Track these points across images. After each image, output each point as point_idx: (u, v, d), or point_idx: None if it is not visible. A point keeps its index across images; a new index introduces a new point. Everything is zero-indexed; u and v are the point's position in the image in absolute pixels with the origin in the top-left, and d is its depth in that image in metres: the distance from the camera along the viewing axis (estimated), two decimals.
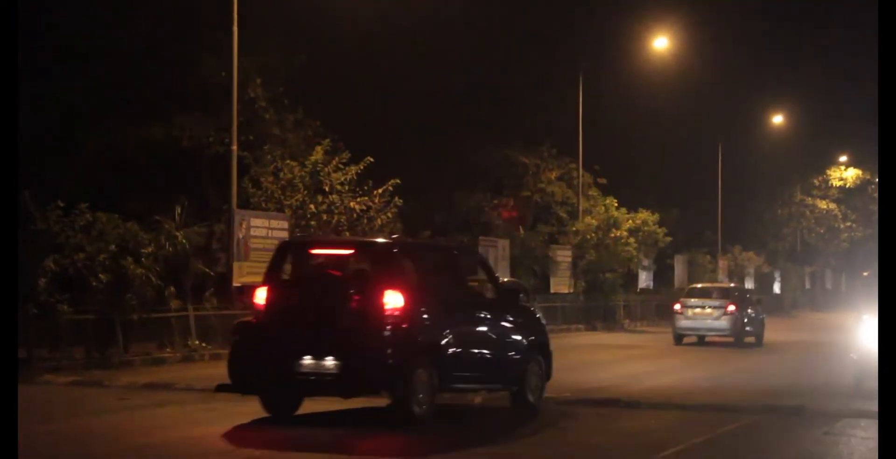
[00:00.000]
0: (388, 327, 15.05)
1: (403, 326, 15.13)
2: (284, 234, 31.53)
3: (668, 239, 53.96)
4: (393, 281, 15.39)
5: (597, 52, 55.19)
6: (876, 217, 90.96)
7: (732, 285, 45.62)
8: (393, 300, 15.15)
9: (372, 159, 34.12)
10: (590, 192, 53.66)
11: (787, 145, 78.62)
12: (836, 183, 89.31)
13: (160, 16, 40.02)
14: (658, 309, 55.65)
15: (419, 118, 50.29)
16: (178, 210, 29.35)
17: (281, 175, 33.61)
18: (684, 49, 58.73)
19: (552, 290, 47.84)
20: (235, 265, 30.27)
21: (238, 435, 14.61)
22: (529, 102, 55.24)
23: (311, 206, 33.13)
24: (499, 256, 42.83)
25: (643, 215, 52.63)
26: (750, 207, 79.84)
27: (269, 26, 40.67)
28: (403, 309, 15.17)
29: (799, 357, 32.09)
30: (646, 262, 55.05)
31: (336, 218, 33.38)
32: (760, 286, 73.88)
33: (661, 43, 51.78)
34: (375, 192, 34.14)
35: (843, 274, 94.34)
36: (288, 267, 16.75)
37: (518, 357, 17.39)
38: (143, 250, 27.06)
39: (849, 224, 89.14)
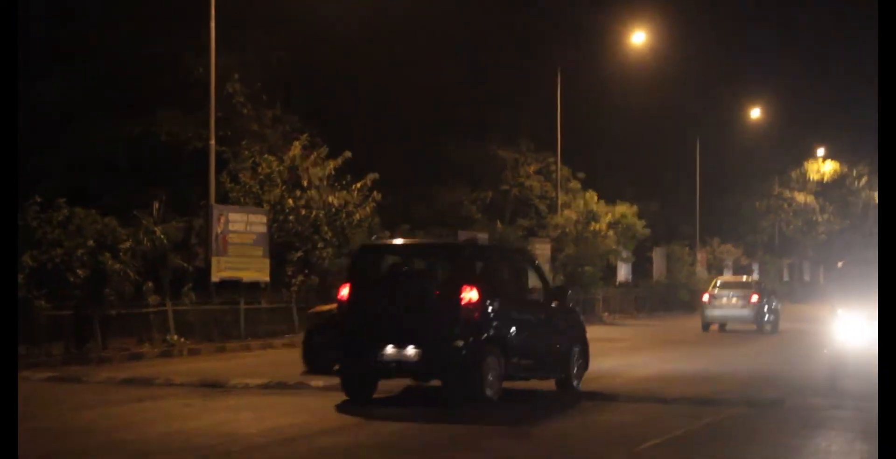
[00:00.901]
0: (464, 319, 16.87)
1: (476, 319, 16.94)
2: (263, 229, 31.48)
3: (647, 231, 54.02)
4: (467, 278, 17.22)
5: (576, 46, 55.26)
6: (853, 209, 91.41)
7: (754, 279, 50.34)
8: (468, 295, 16.90)
9: (350, 154, 34.09)
10: (569, 186, 53.68)
11: (765, 138, 78.81)
12: (814, 176, 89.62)
13: (139, 12, 39.89)
14: (637, 301, 55.72)
15: (398, 113, 50.22)
16: (157, 205, 29.29)
17: (259, 170, 33.56)
18: (662, 43, 58.81)
19: (530, 284, 47.73)
20: (214, 260, 30.19)
21: (218, 430, 14.56)
22: (509, 97, 55.23)
23: (290, 201, 33.08)
24: None
25: (622, 208, 52.67)
26: (728, 200, 79.99)
27: (248, 22, 40.58)
28: (476, 304, 16.93)
29: (781, 347, 32.17)
30: (625, 255, 55.08)
31: (314, 212, 33.33)
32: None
33: (638, 37, 51.81)
34: (354, 187, 34.12)
35: (820, 266, 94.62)
36: (369, 267, 18.44)
37: (564, 348, 19.37)
38: (121, 245, 26.97)
39: (826, 217, 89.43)
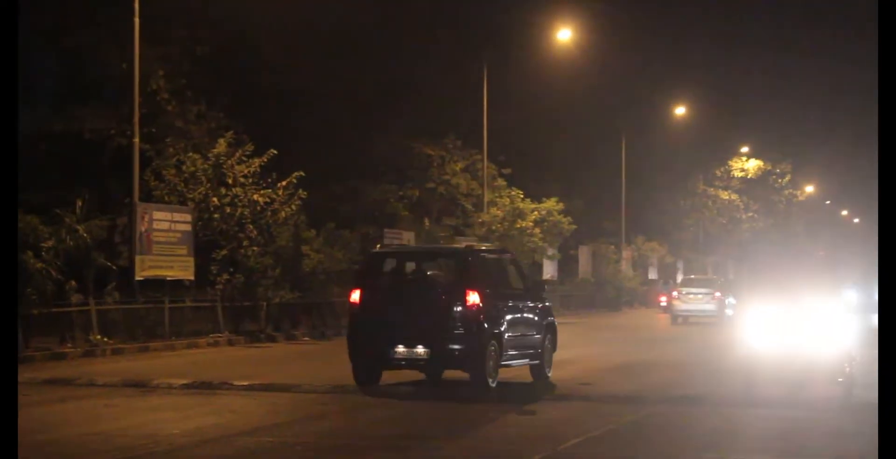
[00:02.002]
0: (469, 320, 19.20)
1: (480, 318, 19.26)
2: (187, 227, 31.33)
3: (573, 227, 54.31)
4: (470, 283, 19.50)
5: (501, 42, 55.31)
6: (777, 207, 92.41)
7: (716, 276, 57.31)
8: (472, 298, 19.25)
9: (275, 151, 33.98)
10: (495, 184, 53.79)
11: (689, 136, 79.32)
12: (738, 174, 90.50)
13: (61, 3, 39.43)
14: (563, 299, 55.96)
15: (323, 109, 50.06)
16: (79, 203, 29.02)
17: (184, 168, 33.37)
18: (588, 40, 59.03)
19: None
20: (138, 258, 29.99)
21: (140, 431, 14.49)
22: (434, 93, 55.25)
23: (215, 199, 32.94)
24: None
25: (548, 205, 52.89)
26: (653, 198, 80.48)
27: (172, 16, 40.25)
28: (478, 305, 19.24)
29: (699, 343, 32.44)
30: (550, 252, 55.30)
31: (239, 210, 33.21)
32: (664, 276, 74.61)
33: (564, 34, 51.95)
34: (279, 185, 34.02)
35: (744, 263, 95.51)
36: (377, 272, 20.40)
37: (539, 336, 21.44)
38: (42, 244, 26.74)
39: (751, 214, 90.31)
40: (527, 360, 21.02)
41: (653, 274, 73.92)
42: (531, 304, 21.49)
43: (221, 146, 33.77)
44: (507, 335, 19.99)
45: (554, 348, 22.06)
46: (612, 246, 67.67)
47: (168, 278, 30.90)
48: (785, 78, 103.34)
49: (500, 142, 53.14)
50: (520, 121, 59.48)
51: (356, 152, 51.33)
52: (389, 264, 20.66)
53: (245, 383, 19.63)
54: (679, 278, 78.62)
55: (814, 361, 18.69)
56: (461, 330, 19.19)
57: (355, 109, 51.73)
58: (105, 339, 27.87)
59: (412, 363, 19.50)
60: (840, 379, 18.14)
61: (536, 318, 21.54)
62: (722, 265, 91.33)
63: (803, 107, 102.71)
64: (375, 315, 19.66)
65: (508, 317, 20.23)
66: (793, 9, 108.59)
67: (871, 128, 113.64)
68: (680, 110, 74.61)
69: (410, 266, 20.61)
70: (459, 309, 19.24)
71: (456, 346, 19.20)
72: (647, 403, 17.77)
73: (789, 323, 18.82)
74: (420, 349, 19.23)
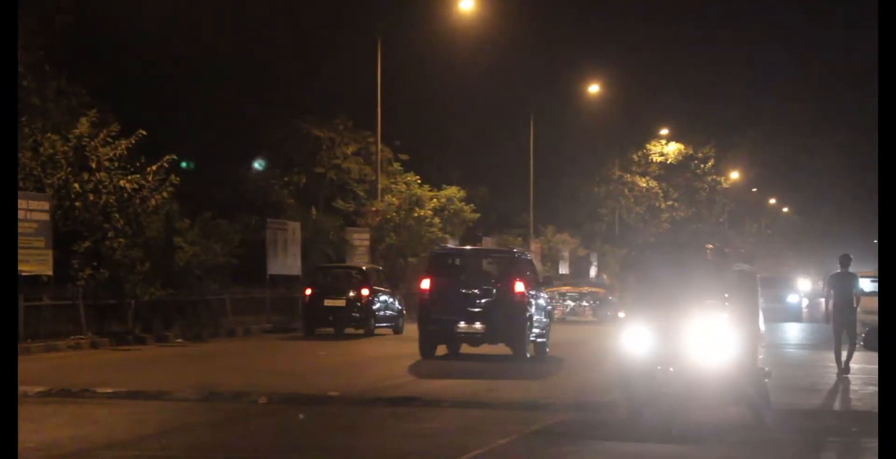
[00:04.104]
0: (516, 304, 27.59)
1: (523, 304, 27.67)
2: (45, 217, 30.88)
3: (476, 215, 54.41)
4: (517, 275, 28.01)
5: (397, 15, 55.29)
6: (698, 195, 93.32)
7: (602, 281, 60.59)
8: (518, 288, 27.66)
9: (145, 132, 33.61)
10: (390, 169, 53.75)
11: (604, 118, 79.63)
12: (657, 158, 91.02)
13: None
14: None
15: (199, 87, 49.70)
16: None
17: (41, 150, 32.88)
18: (494, 13, 59.11)
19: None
20: None
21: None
22: (323, 70, 55.10)
23: (76, 185, 32.50)
24: (289, 240, 42.65)
25: (449, 192, 52.96)
26: (565, 185, 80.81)
27: None
28: (523, 294, 27.67)
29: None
30: (451, 243, 55.40)
31: (104, 198, 32.81)
32: (576, 270, 75.02)
33: (466, 4, 51.84)
34: (149, 169, 33.65)
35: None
36: (441, 266, 28.82)
37: (546, 319, 30.09)
38: None
39: (670, 203, 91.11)
40: (542, 339, 29.12)
41: (563, 269, 74.26)
42: (543, 294, 30.61)
43: (84, 126, 33.33)
44: (535, 317, 28.28)
45: (549, 331, 30.18)
46: (520, 238, 67.91)
47: (23, 274, 30.44)
48: (708, 55, 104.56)
49: (396, 124, 53.08)
50: (418, 102, 59.52)
51: (236, 134, 50.99)
52: (451, 260, 29.42)
53: (109, 390, 19.42)
54: (593, 272, 79.24)
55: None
56: (510, 312, 27.38)
57: (235, 87, 51.39)
58: None
59: (470, 336, 27.78)
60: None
61: (545, 305, 30.41)
62: None
63: (728, 86, 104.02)
64: (442, 300, 27.59)
65: (534, 304, 28.46)
66: None
67: (801, 109, 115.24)
68: (593, 88, 74.48)
69: (467, 262, 29.29)
70: (508, 296, 27.55)
71: (505, 325, 27.40)
72: (556, 410, 17.83)
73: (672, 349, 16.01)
74: (478, 325, 27.50)
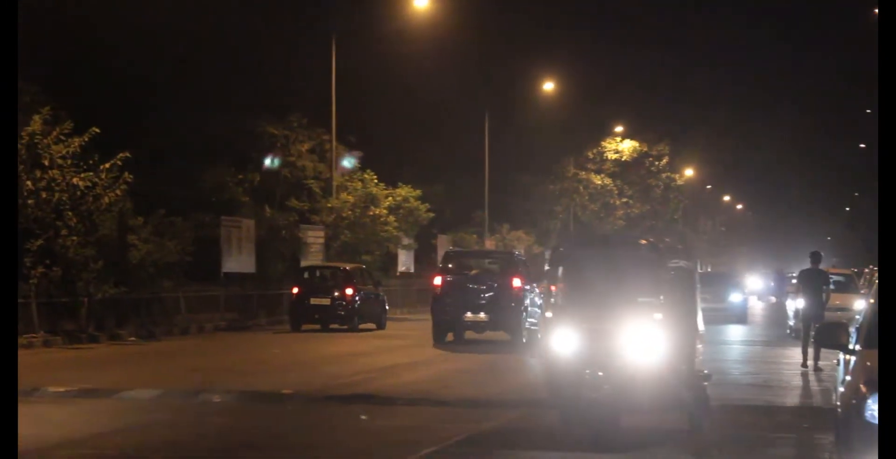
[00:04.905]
0: (514, 297, 32.53)
1: (520, 296, 32.58)
2: None
3: (431, 215, 54.43)
4: (515, 273, 33.13)
5: (352, 12, 55.20)
6: (653, 192, 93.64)
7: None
8: (516, 283, 32.67)
9: (98, 130, 33.46)
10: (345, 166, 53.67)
11: (559, 115, 79.61)
12: (612, 155, 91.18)
13: None
14: (419, 294, 56.05)
15: (153, 84, 49.47)
16: None
17: None
18: (449, 11, 59.09)
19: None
20: None
21: None
22: (277, 67, 54.95)
23: (29, 183, 32.33)
24: (243, 238, 42.59)
25: (404, 190, 52.95)
26: (520, 182, 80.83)
27: None
28: (519, 288, 32.60)
29: None
30: (406, 241, 55.37)
31: (57, 196, 32.66)
32: (531, 267, 74.91)
33: (421, 2, 51.81)
34: (102, 167, 33.50)
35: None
36: (452, 265, 34.05)
37: (538, 310, 32.27)
38: None
39: (625, 200, 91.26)
40: (535, 327, 32.25)
41: None
42: (536, 289, 33.70)
43: (36, 123, 33.15)
44: (529, 309, 32.94)
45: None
46: (475, 236, 67.95)
47: None
48: (662, 51, 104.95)
49: (351, 121, 53.00)
50: (373, 99, 59.43)
51: (190, 131, 50.77)
52: (459, 260, 34.90)
53: (62, 389, 19.38)
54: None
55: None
56: (509, 304, 32.43)
57: (189, 84, 51.19)
58: None
59: (475, 324, 32.79)
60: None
61: (536, 297, 33.43)
62: None
63: (682, 82, 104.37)
64: (452, 293, 32.67)
65: (529, 297, 33.04)
66: None
67: (755, 107, 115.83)
68: (548, 86, 74.50)
69: (473, 262, 35.47)
70: (507, 291, 32.57)
71: (504, 315, 32.38)
72: (508, 407, 17.90)
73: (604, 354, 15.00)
74: (482, 315, 32.58)
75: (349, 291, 38.99)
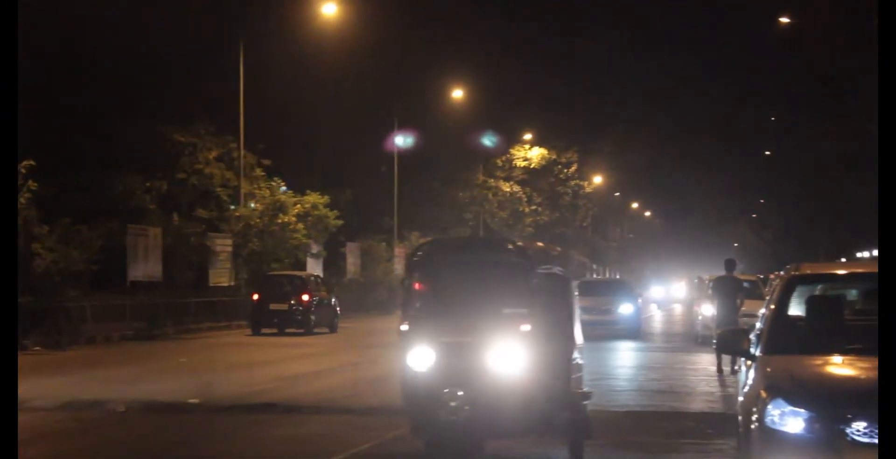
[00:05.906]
0: None
1: None
2: None
3: (340, 222, 54.38)
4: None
5: (260, 19, 55.02)
6: (562, 200, 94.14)
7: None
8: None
9: None
10: (253, 174, 53.47)
11: (469, 123, 79.69)
12: (521, 163, 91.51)
13: None
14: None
15: (55, 89, 48.95)
16: None
17: None
18: (358, 18, 59.05)
19: (211, 283, 47.63)
20: None
21: None
22: (185, 74, 54.61)
23: None
24: (150, 246, 42.35)
25: (312, 198, 52.86)
26: (430, 190, 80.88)
27: None
28: None
29: None
30: (315, 250, 55.28)
31: None
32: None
33: (330, 9, 51.76)
34: None
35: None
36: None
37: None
38: None
39: (534, 207, 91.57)
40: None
41: None
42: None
43: None
44: None
45: None
46: (384, 244, 67.93)
47: None
48: (571, 62, 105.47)
49: (259, 128, 52.82)
50: (280, 107, 59.22)
51: (95, 138, 50.33)
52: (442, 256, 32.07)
53: None
54: None
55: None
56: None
57: (95, 90, 50.73)
58: None
59: None
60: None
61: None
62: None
63: (589, 91, 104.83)
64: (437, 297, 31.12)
65: None
66: None
67: (660, 114, 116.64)
68: (457, 93, 74.70)
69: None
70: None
71: None
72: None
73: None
74: None
75: (305, 297, 41.80)
